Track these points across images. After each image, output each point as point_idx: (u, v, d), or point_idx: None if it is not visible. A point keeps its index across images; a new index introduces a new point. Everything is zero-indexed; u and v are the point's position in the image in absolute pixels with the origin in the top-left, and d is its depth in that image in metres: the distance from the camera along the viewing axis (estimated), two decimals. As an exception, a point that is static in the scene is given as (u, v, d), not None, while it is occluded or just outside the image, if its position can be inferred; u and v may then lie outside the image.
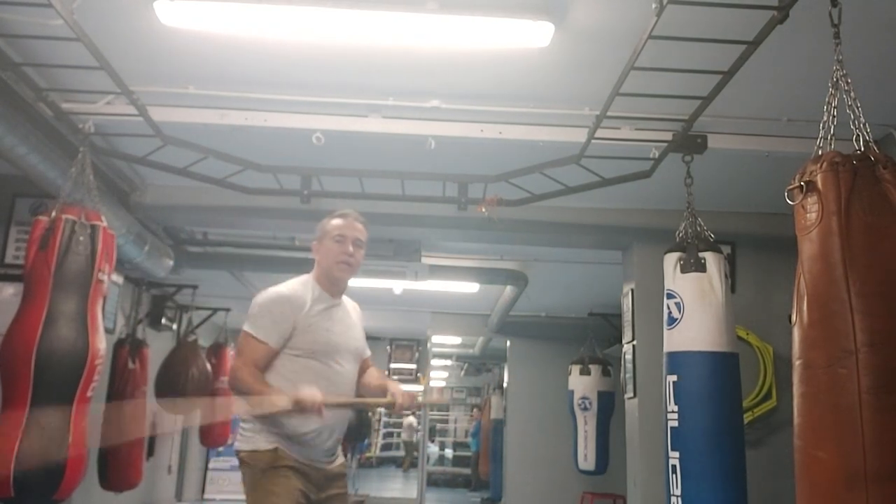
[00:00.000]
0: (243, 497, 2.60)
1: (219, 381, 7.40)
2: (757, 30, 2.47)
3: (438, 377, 16.61)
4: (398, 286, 6.40)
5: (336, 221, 2.76)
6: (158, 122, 3.46)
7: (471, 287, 6.87)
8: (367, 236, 2.79)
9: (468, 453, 16.48)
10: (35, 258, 3.14)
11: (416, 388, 12.95)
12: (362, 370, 2.87)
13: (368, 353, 2.94)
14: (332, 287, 2.74)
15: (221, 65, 3.20)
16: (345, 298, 2.85)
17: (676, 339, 3.30)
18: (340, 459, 2.76)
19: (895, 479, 1.79)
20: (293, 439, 2.54)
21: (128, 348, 5.61)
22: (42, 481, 3.01)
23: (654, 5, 2.35)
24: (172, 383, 6.39)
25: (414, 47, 2.95)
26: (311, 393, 2.43)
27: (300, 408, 2.41)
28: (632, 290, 4.90)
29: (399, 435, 18.17)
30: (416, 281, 5.87)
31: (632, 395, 4.84)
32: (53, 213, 3.20)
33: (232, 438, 7.86)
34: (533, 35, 2.75)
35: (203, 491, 9.22)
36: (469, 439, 16.68)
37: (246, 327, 2.59)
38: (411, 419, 16.92)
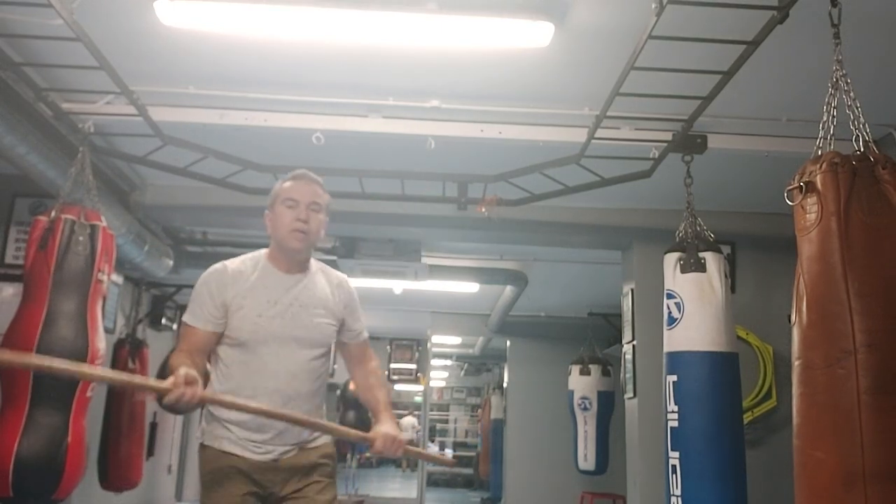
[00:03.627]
0: None
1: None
2: (757, 30, 2.47)
3: (438, 377, 16.62)
4: (398, 286, 6.40)
5: (287, 184, 2.36)
6: (158, 121, 3.46)
7: (471, 287, 6.87)
8: (326, 200, 2.39)
9: (468, 453, 16.50)
10: (35, 258, 3.15)
11: (416, 387, 12.97)
12: (355, 358, 2.49)
13: (362, 338, 2.50)
14: (288, 261, 2.34)
15: (221, 65, 3.20)
16: (317, 271, 2.42)
17: (676, 339, 3.30)
18: (317, 444, 2.33)
19: (893, 480, 1.79)
20: (243, 432, 2.23)
21: (128, 348, 5.62)
22: (41, 481, 3.01)
23: (654, 5, 2.35)
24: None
25: (414, 47, 2.95)
26: (184, 376, 1.98)
27: (165, 393, 1.97)
28: (632, 290, 4.90)
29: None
30: (416, 281, 5.87)
31: (632, 395, 4.84)
32: (53, 213, 3.20)
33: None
34: (533, 35, 2.75)
35: (203, 491, 9.22)
36: (469, 439, 16.70)
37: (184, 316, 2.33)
38: (411, 419, 16.92)
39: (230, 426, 2.26)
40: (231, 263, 2.37)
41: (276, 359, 2.27)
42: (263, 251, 2.43)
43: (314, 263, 2.45)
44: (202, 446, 2.31)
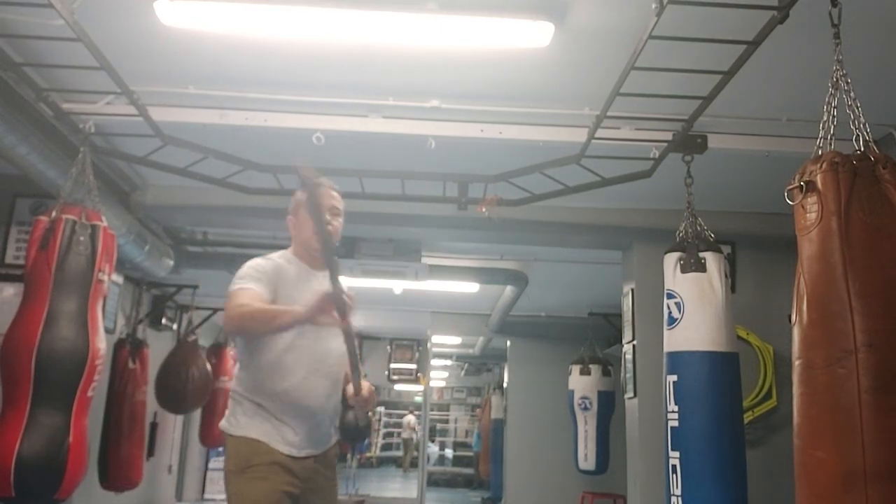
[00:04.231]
0: None
1: (219, 380, 7.42)
2: (757, 30, 2.47)
3: (438, 377, 16.62)
4: (398, 286, 6.40)
5: None
6: (158, 122, 3.46)
7: (471, 287, 6.87)
8: (343, 205, 2.65)
9: (468, 453, 16.51)
10: (35, 258, 3.15)
11: (416, 387, 12.98)
12: None
13: None
14: (312, 259, 2.59)
15: (221, 65, 3.20)
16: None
17: (676, 339, 3.30)
18: (331, 444, 2.59)
19: (894, 480, 1.79)
20: (288, 429, 2.40)
21: (128, 348, 5.62)
22: (42, 481, 3.01)
23: (654, 5, 2.35)
24: (172, 383, 6.39)
25: (414, 47, 2.95)
26: (324, 296, 2.21)
27: (319, 311, 2.19)
28: (632, 290, 4.90)
29: (399, 434, 18.18)
30: (416, 281, 5.88)
31: (632, 395, 4.84)
32: (54, 213, 3.20)
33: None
34: (533, 35, 2.75)
35: (203, 491, 9.23)
36: (469, 438, 16.71)
37: (231, 288, 2.39)
38: (412, 417, 16.92)
39: (282, 417, 2.39)
40: (269, 258, 2.54)
41: (326, 343, 2.47)
42: (284, 251, 2.61)
43: None
44: (247, 439, 2.37)
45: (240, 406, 2.44)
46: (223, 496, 2.44)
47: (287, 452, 2.39)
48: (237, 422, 2.42)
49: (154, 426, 6.95)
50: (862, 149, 2.05)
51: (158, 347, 6.46)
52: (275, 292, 2.42)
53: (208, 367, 6.85)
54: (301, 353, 2.43)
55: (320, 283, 2.51)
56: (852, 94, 2.13)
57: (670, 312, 3.34)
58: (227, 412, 2.49)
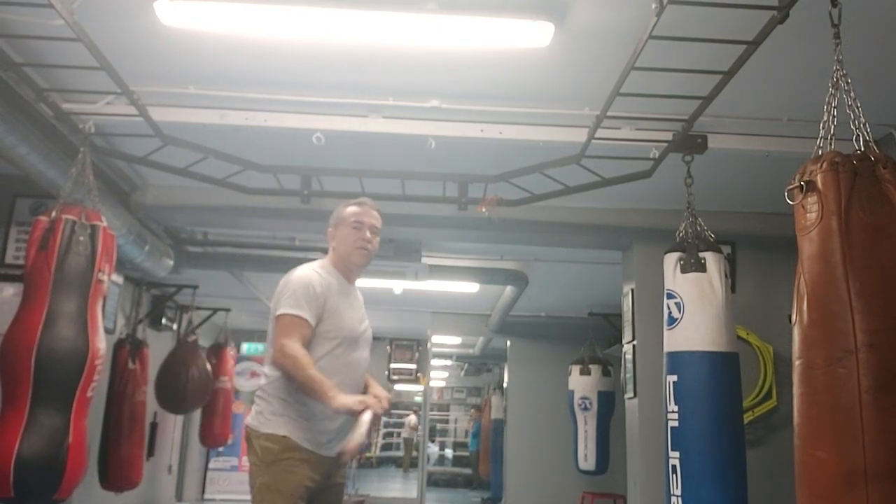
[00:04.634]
0: (244, 497, 2.60)
1: (219, 380, 7.42)
2: (757, 30, 2.47)
3: (438, 377, 16.61)
4: (398, 286, 6.40)
5: (353, 208, 2.80)
6: (158, 122, 3.46)
7: (471, 287, 6.87)
8: (381, 224, 2.83)
9: (468, 453, 16.50)
10: (35, 258, 3.15)
11: (417, 387, 12.98)
12: None
13: None
14: (349, 273, 2.76)
15: (221, 65, 3.20)
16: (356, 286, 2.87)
17: (676, 339, 3.30)
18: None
19: (895, 480, 1.79)
20: (313, 429, 2.53)
21: (128, 348, 5.62)
22: (42, 481, 3.01)
23: (654, 5, 2.35)
24: (172, 383, 6.40)
25: (414, 47, 2.96)
26: (362, 400, 2.44)
27: (351, 413, 2.42)
28: (632, 290, 4.90)
29: (399, 434, 18.19)
30: (416, 281, 5.87)
31: (632, 395, 4.84)
32: (53, 213, 3.21)
33: (232, 438, 7.89)
34: (533, 35, 2.75)
35: (203, 491, 9.23)
36: (468, 439, 16.71)
37: (283, 309, 2.52)
38: (414, 417, 16.92)
39: (312, 418, 2.52)
40: (315, 270, 2.66)
41: (359, 353, 2.68)
42: (325, 261, 2.74)
43: None
44: (276, 436, 2.49)
45: (269, 405, 2.55)
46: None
47: (313, 450, 2.52)
48: (266, 420, 2.53)
49: (154, 426, 6.95)
50: (862, 149, 2.05)
51: (158, 347, 6.46)
52: (321, 309, 2.56)
53: (208, 367, 6.85)
54: (337, 362, 2.56)
55: (356, 298, 2.77)
56: (852, 94, 2.13)
57: (670, 312, 3.34)
58: (253, 411, 2.60)
